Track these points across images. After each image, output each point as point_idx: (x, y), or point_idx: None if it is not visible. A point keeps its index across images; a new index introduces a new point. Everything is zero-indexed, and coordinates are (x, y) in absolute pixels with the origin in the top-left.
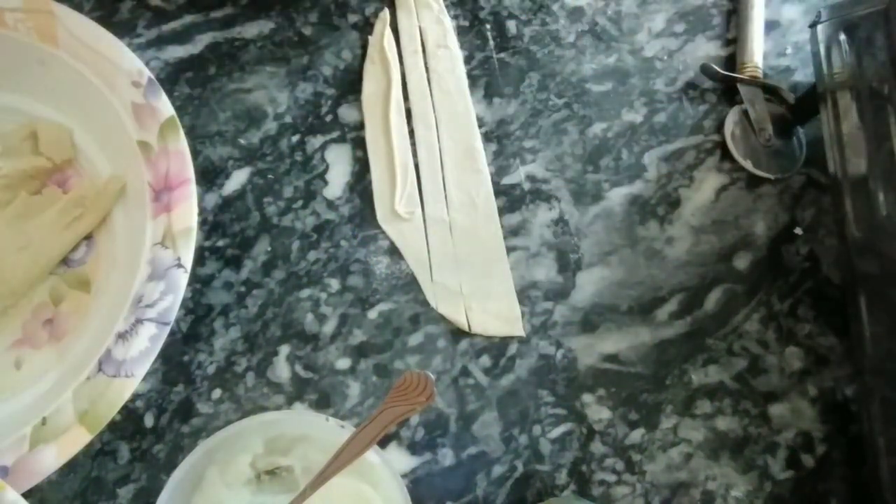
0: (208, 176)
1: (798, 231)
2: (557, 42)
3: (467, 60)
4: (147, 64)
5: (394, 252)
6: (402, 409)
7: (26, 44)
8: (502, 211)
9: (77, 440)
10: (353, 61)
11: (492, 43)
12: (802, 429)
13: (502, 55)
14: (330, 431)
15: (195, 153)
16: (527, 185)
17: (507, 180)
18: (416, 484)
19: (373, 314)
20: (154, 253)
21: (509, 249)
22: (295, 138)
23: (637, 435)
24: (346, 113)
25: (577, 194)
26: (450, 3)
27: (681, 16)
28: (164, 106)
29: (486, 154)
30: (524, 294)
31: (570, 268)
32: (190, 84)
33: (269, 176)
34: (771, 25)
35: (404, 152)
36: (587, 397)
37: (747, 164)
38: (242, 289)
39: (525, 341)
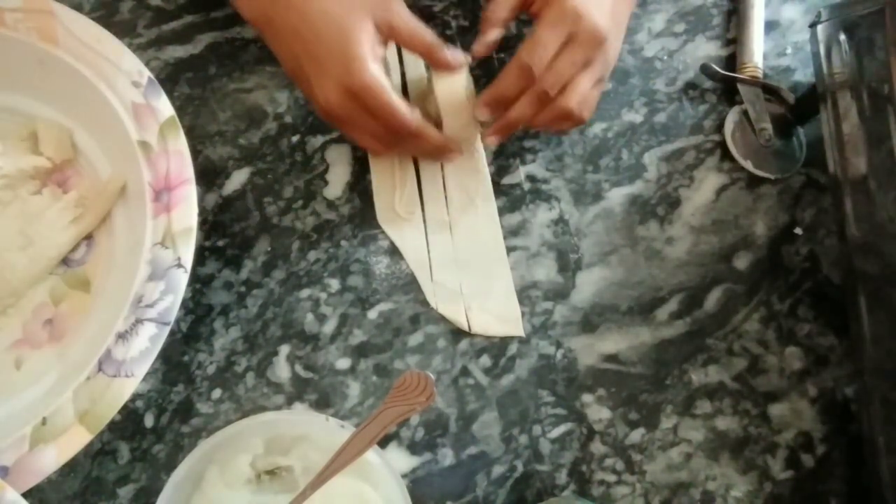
0: (208, 176)
1: (798, 231)
2: None
3: None
4: (147, 64)
5: (394, 252)
6: (402, 409)
7: (26, 44)
8: (502, 211)
9: (77, 440)
10: None
11: None
12: (802, 429)
13: (502, 55)
14: (330, 431)
15: (195, 153)
16: (527, 185)
17: (507, 180)
18: (416, 484)
19: (373, 314)
20: (154, 253)
21: (509, 249)
22: (295, 138)
23: (637, 435)
24: None
25: (577, 194)
26: (450, 3)
27: (681, 16)
28: (164, 106)
29: (486, 154)
30: (524, 294)
31: (570, 268)
32: (190, 84)
33: (269, 176)
34: (771, 25)
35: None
36: (587, 397)
37: (747, 164)
38: (242, 289)
39: (525, 341)
